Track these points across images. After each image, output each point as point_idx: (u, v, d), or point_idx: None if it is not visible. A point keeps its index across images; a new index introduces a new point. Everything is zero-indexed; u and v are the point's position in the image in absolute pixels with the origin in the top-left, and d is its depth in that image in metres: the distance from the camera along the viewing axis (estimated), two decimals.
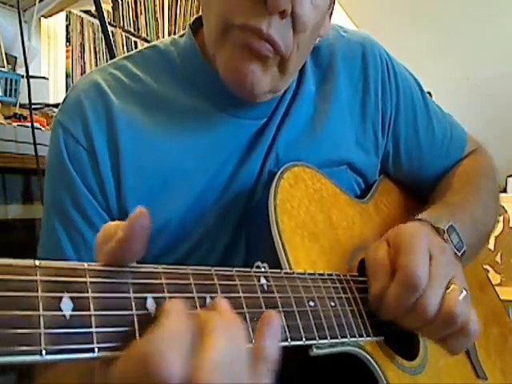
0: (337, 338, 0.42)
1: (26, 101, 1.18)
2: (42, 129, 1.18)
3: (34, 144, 1.07)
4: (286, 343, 0.37)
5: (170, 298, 0.31)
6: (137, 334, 0.28)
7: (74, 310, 0.26)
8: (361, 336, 0.45)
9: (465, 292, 0.47)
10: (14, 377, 1.12)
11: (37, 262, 0.26)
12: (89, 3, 1.55)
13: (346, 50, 0.67)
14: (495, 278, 1.90)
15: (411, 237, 0.49)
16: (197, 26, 0.62)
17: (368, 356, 0.45)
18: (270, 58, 0.52)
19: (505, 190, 2.96)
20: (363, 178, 0.68)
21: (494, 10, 3.04)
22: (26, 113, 1.23)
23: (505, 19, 3.08)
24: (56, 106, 1.38)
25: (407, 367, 0.51)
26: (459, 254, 0.57)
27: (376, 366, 0.46)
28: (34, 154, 1.07)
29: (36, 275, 0.26)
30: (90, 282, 0.28)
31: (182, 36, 0.63)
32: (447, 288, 0.47)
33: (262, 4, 0.48)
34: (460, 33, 3.18)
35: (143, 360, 0.25)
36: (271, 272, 0.40)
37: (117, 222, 0.30)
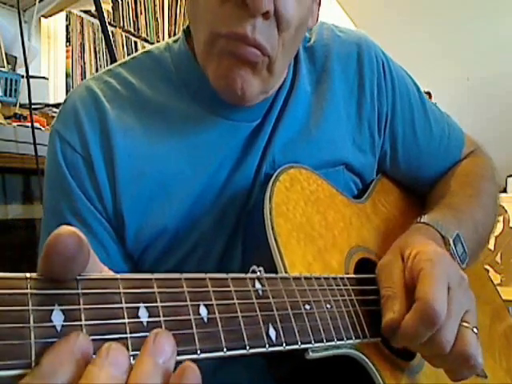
0: (333, 340, 0.41)
1: (26, 101, 1.18)
2: (42, 129, 1.18)
3: (34, 144, 1.07)
4: (280, 348, 0.36)
5: (163, 307, 0.31)
6: (129, 344, 0.28)
7: (65, 321, 0.27)
8: (357, 338, 0.44)
9: (476, 329, 0.47)
10: None
11: (28, 275, 0.26)
12: (89, 3, 1.56)
13: (341, 49, 0.67)
14: (495, 277, 1.90)
15: (431, 264, 0.47)
16: (190, 30, 0.62)
17: (364, 357, 0.45)
18: (258, 63, 0.51)
19: (505, 190, 2.97)
20: (360, 178, 0.68)
21: (493, 10, 3.05)
22: (26, 113, 1.23)
23: (505, 19, 3.08)
24: (56, 106, 1.39)
25: (404, 367, 0.51)
26: (463, 265, 0.57)
27: (372, 367, 0.46)
28: (34, 154, 1.07)
29: (27, 288, 0.26)
30: (82, 294, 0.28)
31: (176, 41, 0.64)
32: (461, 322, 0.46)
33: (244, 8, 0.47)
34: (460, 33, 3.18)
35: None
36: (266, 277, 0.40)
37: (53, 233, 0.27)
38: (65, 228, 0.27)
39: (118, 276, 0.30)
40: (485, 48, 3.12)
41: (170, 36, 2.34)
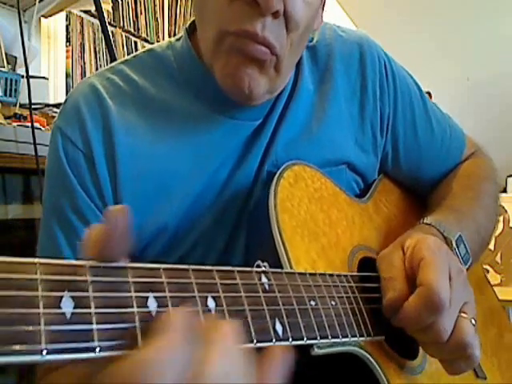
0: (338, 337, 0.42)
1: (26, 101, 1.18)
2: (42, 129, 1.18)
3: (34, 144, 1.07)
4: (287, 343, 0.37)
5: (172, 297, 0.30)
6: (138, 333, 0.28)
7: (74, 308, 0.26)
8: (361, 336, 0.45)
9: (474, 321, 0.47)
10: (14, 377, 1.12)
11: (36, 260, 0.26)
12: (89, 3, 1.56)
13: (343, 49, 0.67)
14: (495, 278, 1.90)
15: (432, 252, 0.48)
16: (193, 28, 0.62)
17: (368, 356, 0.45)
18: (266, 61, 0.52)
19: (505, 190, 2.96)
20: (362, 178, 0.68)
21: (493, 10, 3.05)
22: (26, 113, 1.23)
23: (505, 19, 3.08)
24: (56, 105, 1.38)
25: (407, 367, 0.51)
26: (466, 266, 0.57)
27: (376, 365, 0.46)
28: (33, 154, 1.07)
29: (37, 274, 0.26)
30: (91, 281, 0.28)
31: (178, 39, 0.63)
32: (460, 312, 0.47)
33: (255, 7, 0.48)
34: (460, 33, 3.18)
35: (133, 376, 0.25)
36: (272, 271, 0.40)
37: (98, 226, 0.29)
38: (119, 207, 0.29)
39: (128, 265, 0.30)
40: (485, 48, 3.12)
41: (169, 36, 2.34)
